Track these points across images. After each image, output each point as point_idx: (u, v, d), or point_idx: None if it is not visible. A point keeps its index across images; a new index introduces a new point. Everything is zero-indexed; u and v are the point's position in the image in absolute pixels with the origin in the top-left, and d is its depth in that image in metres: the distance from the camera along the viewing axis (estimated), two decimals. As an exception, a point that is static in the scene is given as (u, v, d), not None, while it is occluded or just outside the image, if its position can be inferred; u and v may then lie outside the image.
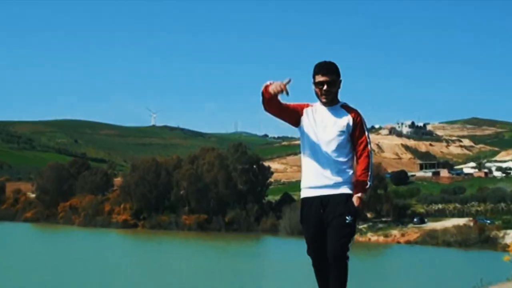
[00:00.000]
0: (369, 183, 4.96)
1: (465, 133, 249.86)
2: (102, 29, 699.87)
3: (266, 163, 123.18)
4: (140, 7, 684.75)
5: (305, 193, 5.14)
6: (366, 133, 5.05)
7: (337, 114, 5.03)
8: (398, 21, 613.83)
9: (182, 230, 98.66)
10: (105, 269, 46.28)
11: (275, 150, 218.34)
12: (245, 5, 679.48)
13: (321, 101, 5.08)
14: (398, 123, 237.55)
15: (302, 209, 5.14)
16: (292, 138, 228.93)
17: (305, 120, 5.09)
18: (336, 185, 4.96)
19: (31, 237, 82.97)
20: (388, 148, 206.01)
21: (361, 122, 5.04)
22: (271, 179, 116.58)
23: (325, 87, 4.94)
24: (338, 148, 4.96)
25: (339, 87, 5.10)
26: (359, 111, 5.11)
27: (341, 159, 4.97)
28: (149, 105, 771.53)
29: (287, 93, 4.76)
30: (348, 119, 5.01)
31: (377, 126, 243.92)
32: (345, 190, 4.97)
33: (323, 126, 5.00)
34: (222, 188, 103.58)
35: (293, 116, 5.12)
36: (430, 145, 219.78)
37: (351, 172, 5.04)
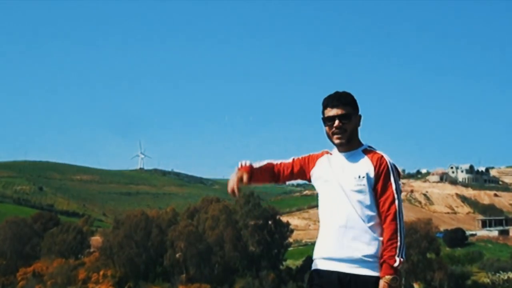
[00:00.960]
0: (397, 259, 4.53)
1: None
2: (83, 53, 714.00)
3: (284, 218, 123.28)
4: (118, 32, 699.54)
5: (318, 263, 4.89)
6: (394, 185, 4.66)
7: (355, 160, 4.77)
8: (449, 45, 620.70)
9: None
10: None
11: (294, 202, 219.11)
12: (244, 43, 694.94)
13: (334, 143, 4.84)
14: (452, 168, 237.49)
15: (310, 282, 4.86)
16: (305, 185, 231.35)
17: (316, 172, 4.90)
18: (360, 261, 4.61)
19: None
20: (439, 200, 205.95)
21: (387, 170, 4.71)
22: (291, 239, 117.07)
23: (336, 122, 4.67)
24: (360, 208, 4.64)
25: (358, 125, 4.83)
26: (386, 156, 4.77)
27: (365, 223, 4.63)
28: (135, 144, 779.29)
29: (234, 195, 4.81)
30: (368, 167, 4.69)
31: (424, 171, 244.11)
32: (371, 271, 4.62)
33: (337, 178, 4.72)
34: (229, 250, 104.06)
35: (305, 176, 5.01)
36: (495, 195, 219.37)
37: (380, 241, 4.69)
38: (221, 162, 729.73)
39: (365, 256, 4.58)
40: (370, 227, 4.61)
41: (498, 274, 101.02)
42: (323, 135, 4.79)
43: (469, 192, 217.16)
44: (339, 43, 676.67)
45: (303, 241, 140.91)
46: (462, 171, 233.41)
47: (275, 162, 5.06)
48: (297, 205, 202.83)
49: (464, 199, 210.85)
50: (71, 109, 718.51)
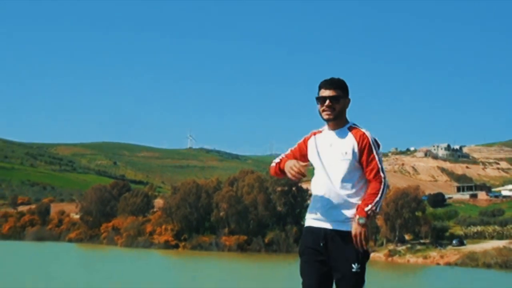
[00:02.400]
0: (371, 206, 4.31)
1: (502, 155, 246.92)
2: (140, 51, 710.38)
3: (304, 185, 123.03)
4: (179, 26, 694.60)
5: (308, 222, 4.64)
6: (377, 157, 4.42)
7: (341, 136, 4.50)
8: (434, 42, 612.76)
9: (222, 251, 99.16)
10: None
11: (310, 172, 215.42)
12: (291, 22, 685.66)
13: (323, 118, 4.58)
14: (433, 146, 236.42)
15: (302, 238, 4.63)
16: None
17: (309, 150, 4.64)
18: (343, 220, 4.39)
19: (75, 257, 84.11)
20: (424, 171, 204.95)
21: (369, 145, 4.43)
22: (309, 201, 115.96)
23: (327, 102, 4.41)
24: (345, 177, 4.41)
25: (346, 106, 4.54)
26: (368, 132, 4.49)
27: (349, 190, 4.40)
28: (186, 128, 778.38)
29: (304, 176, 4.49)
30: (353, 142, 4.43)
31: (412, 148, 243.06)
32: (349, 227, 4.40)
33: (326, 152, 4.49)
34: (261, 210, 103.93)
35: (303, 160, 4.65)
36: (467, 167, 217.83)
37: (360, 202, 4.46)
38: (253, 141, 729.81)
39: (346, 218, 4.38)
40: (352, 194, 4.40)
41: (469, 228, 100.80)
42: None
43: (446, 165, 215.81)
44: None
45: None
46: (441, 149, 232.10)
47: (290, 149, 4.89)
48: (313, 175, 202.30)
49: (443, 170, 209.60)
50: (137, 101, 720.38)
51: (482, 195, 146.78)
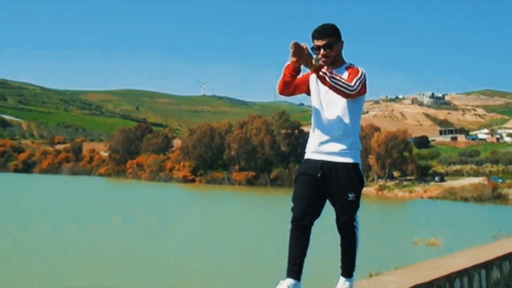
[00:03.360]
0: (330, 73, 3.93)
1: (479, 103, 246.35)
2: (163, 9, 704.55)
3: (305, 128, 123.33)
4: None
5: (307, 155, 4.29)
6: (359, 75, 4.08)
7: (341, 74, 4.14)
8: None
9: (233, 185, 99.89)
10: (169, 215, 47.41)
11: (308, 118, 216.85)
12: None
13: None
14: (419, 94, 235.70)
15: (301, 167, 4.31)
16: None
17: (311, 86, 4.29)
18: (339, 152, 4.12)
19: (104, 189, 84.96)
20: (410, 116, 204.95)
21: (355, 71, 4.13)
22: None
23: (321, 51, 4.12)
24: (343, 112, 4.14)
25: (340, 49, 4.24)
26: (361, 68, 4.18)
27: (344, 122, 4.13)
28: (199, 76, 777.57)
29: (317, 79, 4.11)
30: (345, 75, 4.12)
31: (400, 96, 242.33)
32: (348, 159, 4.12)
33: (326, 89, 4.13)
34: (267, 149, 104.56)
35: (304, 88, 4.30)
36: (448, 113, 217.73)
37: (356, 137, 4.21)
38: (259, 88, 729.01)
39: (342, 150, 4.10)
40: (348, 128, 4.13)
41: (449, 166, 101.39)
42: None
43: (430, 111, 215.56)
44: None
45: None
46: (426, 97, 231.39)
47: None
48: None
49: (427, 116, 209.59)
50: (156, 53, 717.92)
51: (461, 138, 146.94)
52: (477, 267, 5.52)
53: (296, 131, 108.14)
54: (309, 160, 4.20)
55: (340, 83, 3.92)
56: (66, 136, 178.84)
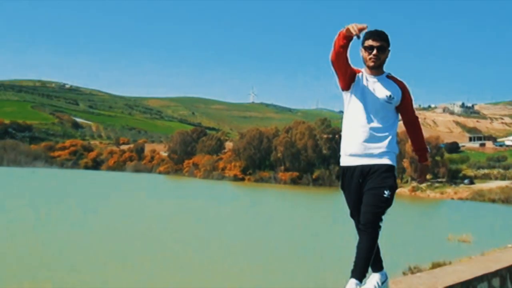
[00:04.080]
0: (428, 150, 4.10)
1: (506, 112, 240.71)
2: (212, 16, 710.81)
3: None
4: None
5: (345, 161, 4.12)
6: (412, 102, 4.17)
7: (384, 83, 4.07)
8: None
9: (279, 184, 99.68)
10: (221, 208, 47.76)
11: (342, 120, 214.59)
12: None
13: (368, 65, 4.10)
14: (450, 103, 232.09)
15: (343, 177, 4.15)
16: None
17: (356, 85, 4.09)
18: (378, 154, 4.00)
19: (164, 185, 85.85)
20: (442, 124, 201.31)
21: (409, 92, 4.12)
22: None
23: (374, 51, 4.00)
24: (384, 117, 4.01)
25: (387, 56, 4.12)
26: (404, 82, 4.15)
27: (386, 128, 4.02)
28: (249, 84, 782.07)
29: (358, 37, 3.86)
30: (396, 88, 4.05)
31: (433, 105, 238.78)
32: (386, 160, 4.00)
33: (369, 92, 4.02)
34: (310, 152, 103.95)
35: (350, 76, 4.09)
36: (477, 122, 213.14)
37: (393, 141, 4.09)
38: (303, 96, 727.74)
39: (380, 152, 3.99)
40: (385, 131, 4.01)
41: (478, 170, 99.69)
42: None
43: (460, 119, 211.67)
44: None
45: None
46: (457, 106, 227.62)
47: None
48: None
49: (457, 123, 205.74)
50: (211, 63, 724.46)
51: (489, 144, 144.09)
52: None
53: (336, 136, 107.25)
54: (347, 168, 4.05)
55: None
56: (130, 138, 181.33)
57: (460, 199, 78.65)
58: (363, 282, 3.86)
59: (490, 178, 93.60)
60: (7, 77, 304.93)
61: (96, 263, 19.11)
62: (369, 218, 3.86)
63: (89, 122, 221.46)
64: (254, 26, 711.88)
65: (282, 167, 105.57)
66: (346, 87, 4.07)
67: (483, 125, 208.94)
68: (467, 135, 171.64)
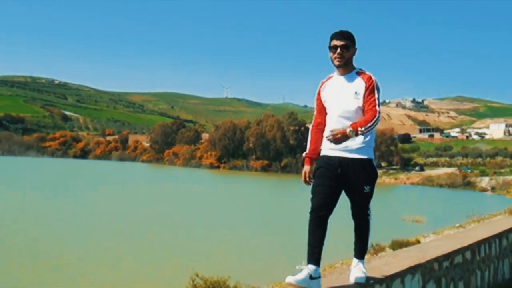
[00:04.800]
0: (362, 128, 3.63)
1: (451, 107, 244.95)
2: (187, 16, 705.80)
3: (308, 126, 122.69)
4: None
5: (324, 152, 3.88)
6: (376, 95, 3.80)
7: (351, 80, 3.85)
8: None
9: (251, 171, 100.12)
10: (198, 193, 47.64)
11: (311, 117, 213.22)
12: None
13: (334, 64, 3.90)
14: (403, 99, 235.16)
15: (319, 162, 3.91)
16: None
17: (322, 96, 3.94)
18: (356, 149, 3.76)
19: (147, 172, 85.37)
20: (395, 117, 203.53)
21: (373, 85, 3.83)
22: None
23: (338, 50, 3.81)
24: (355, 112, 3.79)
25: (353, 54, 3.90)
26: (373, 75, 3.88)
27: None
28: (222, 80, 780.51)
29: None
30: (361, 83, 3.81)
31: (387, 100, 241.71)
32: (363, 155, 3.78)
33: (339, 93, 3.84)
34: (279, 143, 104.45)
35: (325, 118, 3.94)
36: (426, 115, 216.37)
37: (369, 136, 3.83)
38: (271, 91, 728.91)
39: (358, 147, 3.75)
40: None
41: (427, 158, 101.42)
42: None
43: (412, 113, 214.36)
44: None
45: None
46: (408, 101, 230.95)
47: (313, 124, 4.07)
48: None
49: (409, 117, 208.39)
50: (188, 60, 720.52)
51: (436, 135, 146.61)
52: (493, 237, 5.92)
53: (302, 128, 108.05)
54: (327, 157, 3.81)
55: (372, 126, 3.68)
56: (115, 129, 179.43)
57: (412, 184, 79.82)
58: (364, 259, 3.95)
59: (438, 165, 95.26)
60: (0, 74, 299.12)
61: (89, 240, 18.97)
62: (359, 213, 3.84)
63: (77, 115, 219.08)
64: (228, 26, 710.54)
65: (254, 156, 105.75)
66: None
67: (431, 119, 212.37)
68: (418, 127, 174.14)
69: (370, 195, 3.81)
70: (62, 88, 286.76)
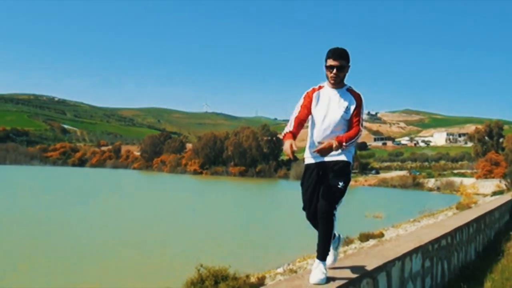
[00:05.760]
0: (346, 142, 3.49)
1: (401, 118, 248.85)
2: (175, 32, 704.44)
3: (280, 136, 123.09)
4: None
5: (307, 160, 3.75)
6: (362, 114, 3.69)
7: (343, 96, 3.67)
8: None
9: (230, 176, 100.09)
10: (179, 195, 47.54)
11: (281, 128, 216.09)
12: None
13: (329, 81, 3.68)
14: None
15: (304, 173, 3.76)
16: (287, 120, 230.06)
17: (313, 104, 3.70)
18: (337, 154, 3.58)
19: (139, 178, 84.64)
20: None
21: (361, 105, 3.67)
22: (282, 147, 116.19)
23: (334, 71, 3.60)
24: (340, 124, 3.62)
25: (347, 72, 3.69)
26: (362, 95, 3.73)
27: (341, 131, 3.62)
28: (203, 97, 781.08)
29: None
30: (352, 100, 3.65)
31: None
32: (343, 157, 3.60)
33: (329, 105, 3.64)
34: (254, 151, 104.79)
35: (308, 116, 3.71)
36: (379, 126, 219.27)
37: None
38: (244, 107, 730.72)
39: (339, 153, 3.55)
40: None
41: (382, 163, 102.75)
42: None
43: (367, 124, 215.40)
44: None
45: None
46: (364, 113, 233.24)
47: (295, 115, 3.73)
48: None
49: (364, 127, 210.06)
50: (173, 79, 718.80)
51: (389, 143, 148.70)
52: (464, 225, 6.32)
53: (274, 138, 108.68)
54: (310, 165, 3.69)
55: (354, 142, 3.58)
56: (109, 141, 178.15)
57: (370, 185, 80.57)
58: (325, 261, 3.54)
59: (391, 169, 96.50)
60: (6, 91, 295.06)
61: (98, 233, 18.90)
62: (326, 208, 3.50)
63: (74, 128, 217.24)
64: (207, 45, 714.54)
65: (232, 163, 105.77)
66: (309, 114, 3.71)
67: (384, 129, 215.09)
68: (372, 136, 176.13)
69: (343, 192, 3.55)
70: (61, 105, 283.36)
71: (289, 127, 3.65)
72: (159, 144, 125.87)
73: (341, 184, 3.52)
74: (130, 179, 77.38)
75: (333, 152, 3.53)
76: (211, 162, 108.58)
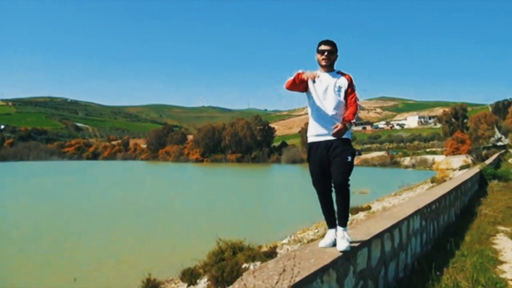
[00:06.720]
0: (353, 121, 3.54)
1: (378, 105, 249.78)
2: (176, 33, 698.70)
3: (272, 125, 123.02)
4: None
5: (311, 139, 3.71)
6: (356, 91, 3.68)
7: (336, 78, 3.68)
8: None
9: (228, 163, 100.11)
10: (186, 181, 47.72)
11: (272, 118, 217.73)
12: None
13: (321, 65, 3.71)
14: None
15: (309, 151, 3.72)
16: (277, 111, 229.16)
17: (310, 85, 3.67)
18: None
19: (146, 168, 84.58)
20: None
21: (352, 83, 3.68)
22: (274, 135, 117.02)
23: (326, 53, 3.64)
24: (338, 104, 3.60)
25: (336, 58, 3.72)
26: (351, 75, 3.73)
27: (340, 112, 3.60)
28: (199, 92, 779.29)
29: (314, 81, 3.64)
30: (344, 80, 3.65)
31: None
32: (345, 136, 3.56)
33: (325, 87, 3.64)
34: (249, 139, 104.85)
35: (303, 86, 3.65)
36: (359, 112, 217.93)
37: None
38: (238, 99, 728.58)
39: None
40: (340, 116, 3.55)
41: (363, 145, 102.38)
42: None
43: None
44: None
45: (280, 135, 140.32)
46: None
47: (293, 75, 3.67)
48: (273, 119, 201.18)
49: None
50: (174, 77, 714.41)
51: (368, 127, 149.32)
52: (448, 193, 6.72)
53: (266, 127, 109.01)
54: (314, 143, 3.65)
55: (356, 116, 3.62)
56: (117, 135, 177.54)
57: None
58: (347, 227, 3.61)
59: (371, 150, 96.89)
60: (25, 95, 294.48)
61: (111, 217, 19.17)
62: (340, 180, 3.48)
63: (86, 126, 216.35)
64: (203, 44, 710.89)
65: (230, 151, 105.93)
66: (304, 90, 3.69)
67: (362, 115, 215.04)
68: (353, 121, 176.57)
69: (351, 166, 3.55)
70: (73, 105, 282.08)
71: (293, 75, 3.62)
72: (163, 136, 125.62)
73: (350, 158, 3.54)
74: (141, 169, 77.31)
75: (330, 131, 3.57)
76: (210, 151, 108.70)
